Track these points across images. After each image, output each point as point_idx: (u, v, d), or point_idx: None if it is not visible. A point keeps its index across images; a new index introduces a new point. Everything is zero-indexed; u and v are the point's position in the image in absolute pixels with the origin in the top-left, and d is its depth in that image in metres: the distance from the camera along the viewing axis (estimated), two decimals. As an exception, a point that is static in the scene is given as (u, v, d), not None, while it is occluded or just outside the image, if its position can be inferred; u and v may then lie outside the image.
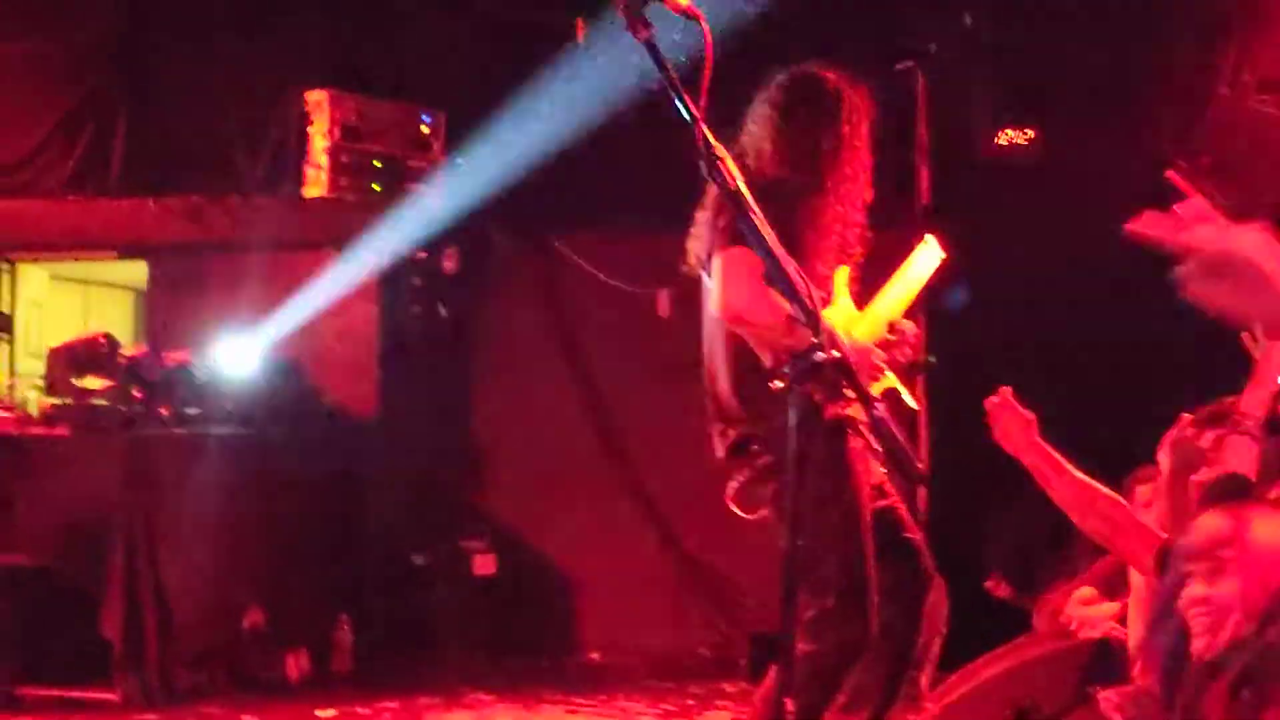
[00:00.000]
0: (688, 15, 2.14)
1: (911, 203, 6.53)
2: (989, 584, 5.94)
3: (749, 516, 3.84)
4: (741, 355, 3.68)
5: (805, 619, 3.60)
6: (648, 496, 6.85)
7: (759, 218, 2.12)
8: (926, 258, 4.32)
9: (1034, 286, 6.42)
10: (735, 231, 3.72)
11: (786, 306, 3.78)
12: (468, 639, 6.58)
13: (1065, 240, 6.43)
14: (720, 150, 2.12)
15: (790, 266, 2.10)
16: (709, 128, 2.11)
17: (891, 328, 4.00)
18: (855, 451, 3.73)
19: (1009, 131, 6.38)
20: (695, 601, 6.83)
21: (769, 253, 2.09)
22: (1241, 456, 2.84)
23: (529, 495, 6.92)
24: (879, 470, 3.88)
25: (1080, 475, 3.16)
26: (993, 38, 6.39)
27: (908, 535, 3.82)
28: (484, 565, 6.72)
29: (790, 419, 2.09)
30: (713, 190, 4.04)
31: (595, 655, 6.79)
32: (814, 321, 2.06)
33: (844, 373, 2.10)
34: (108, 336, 6.13)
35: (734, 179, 2.12)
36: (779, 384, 2.07)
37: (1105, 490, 3.15)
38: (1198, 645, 2.33)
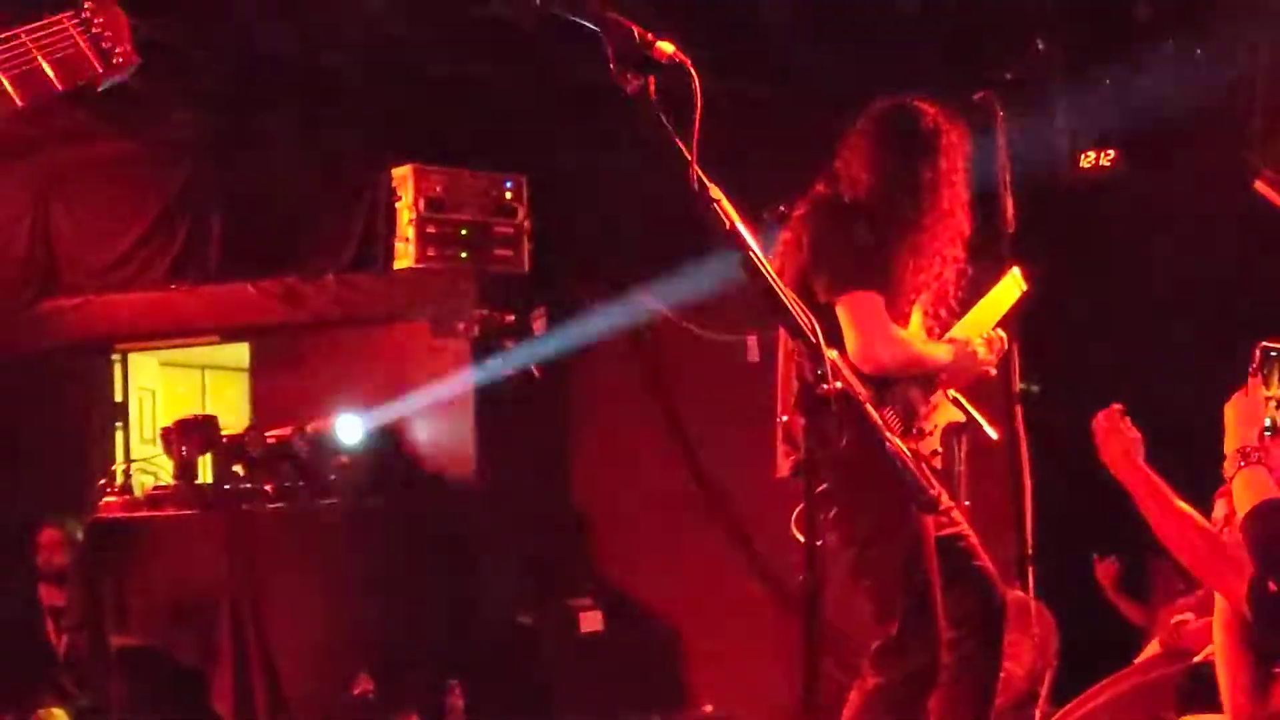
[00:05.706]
0: (675, 63, 2.16)
1: (998, 232, 6.45)
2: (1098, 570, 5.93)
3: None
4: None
5: (871, 650, 3.56)
6: (751, 544, 6.81)
7: (758, 256, 2.13)
8: (1009, 288, 4.28)
9: (1125, 308, 6.31)
10: (855, 273, 3.65)
11: (914, 346, 3.75)
12: (578, 697, 6.57)
13: (1154, 258, 6.31)
14: (715, 192, 2.13)
15: (790, 299, 2.10)
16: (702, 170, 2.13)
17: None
18: None
19: (1090, 154, 6.29)
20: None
21: (770, 290, 2.10)
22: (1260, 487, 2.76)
23: (632, 549, 6.94)
24: (946, 498, 3.83)
25: (1179, 503, 3.05)
26: (1067, 61, 6.31)
27: (978, 563, 3.75)
28: (590, 622, 6.73)
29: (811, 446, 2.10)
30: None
31: (709, 708, 6.74)
32: (817, 355, 2.07)
33: (851, 403, 2.09)
34: (208, 416, 6.31)
35: (730, 220, 2.13)
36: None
37: (1200, 520, 3.03)
38: None
